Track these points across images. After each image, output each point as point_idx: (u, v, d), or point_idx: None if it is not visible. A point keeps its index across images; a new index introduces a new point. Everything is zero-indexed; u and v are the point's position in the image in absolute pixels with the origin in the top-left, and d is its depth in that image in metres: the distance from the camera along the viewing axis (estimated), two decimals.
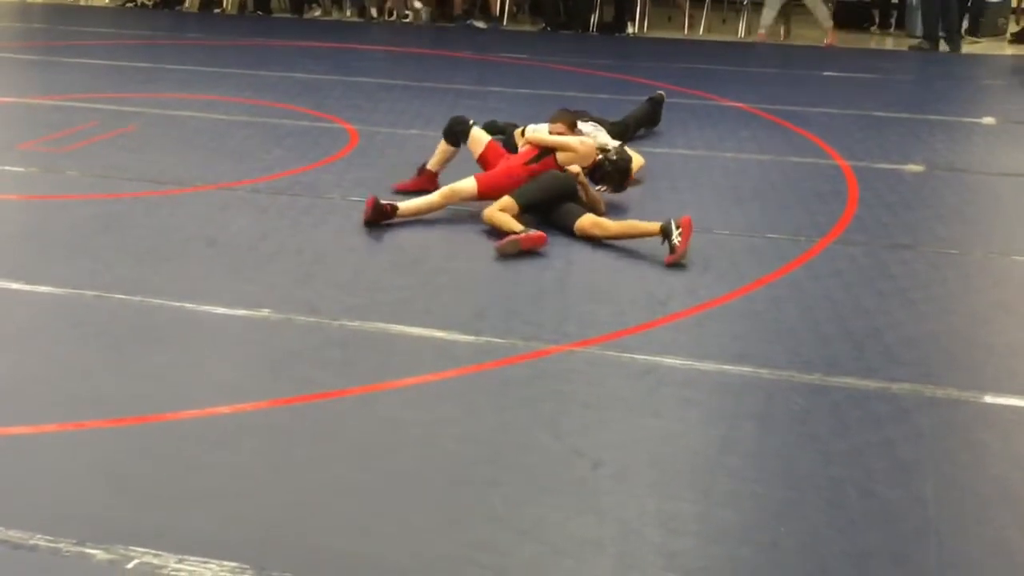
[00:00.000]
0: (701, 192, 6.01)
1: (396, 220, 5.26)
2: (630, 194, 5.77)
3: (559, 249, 5.04)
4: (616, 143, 6.01)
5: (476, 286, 4.64)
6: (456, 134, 5.68)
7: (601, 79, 9.34)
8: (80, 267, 4.66)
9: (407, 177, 5.87)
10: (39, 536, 2.78)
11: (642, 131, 7.15)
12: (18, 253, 4.96)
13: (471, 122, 5.69)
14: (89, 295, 4.37)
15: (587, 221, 5.14)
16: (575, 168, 5.42)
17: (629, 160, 5.70)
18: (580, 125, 6.13)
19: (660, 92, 7.38)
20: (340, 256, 4.90)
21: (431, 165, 5.79)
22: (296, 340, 4.03)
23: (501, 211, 5.12)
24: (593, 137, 6.00)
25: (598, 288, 4.59)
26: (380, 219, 5.22)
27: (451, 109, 7.77)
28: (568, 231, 5.15)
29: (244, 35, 11.33)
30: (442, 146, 5.75)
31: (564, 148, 5.49)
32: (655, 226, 4.94)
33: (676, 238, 4.82)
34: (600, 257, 4.98)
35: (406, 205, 5.29)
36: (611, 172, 5.57)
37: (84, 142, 6.69)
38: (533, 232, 4.94)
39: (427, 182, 5.75)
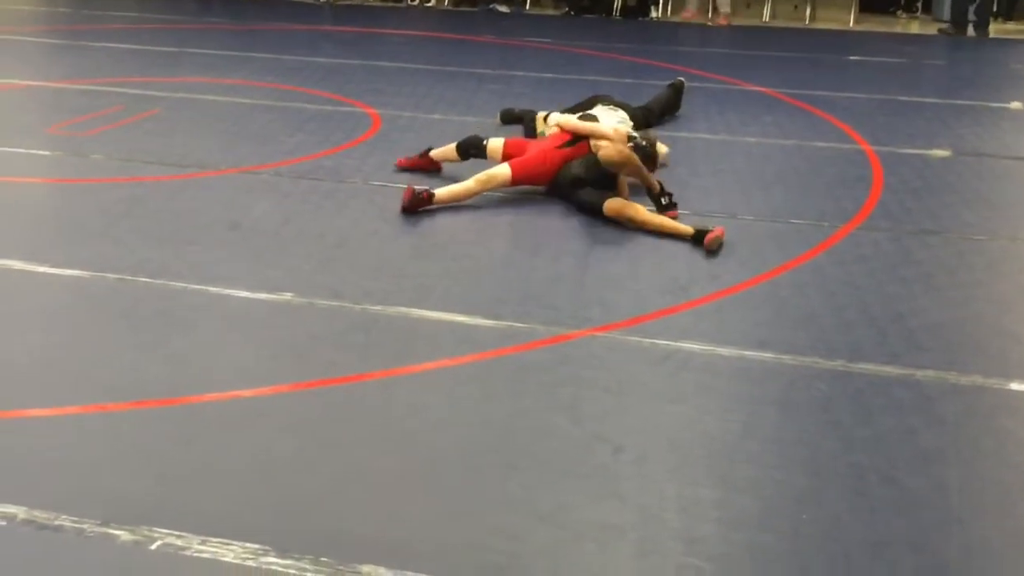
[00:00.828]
0: (723, 177, 5.98)
1: (433, 207, 5.26)
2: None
3: (580, 234, 5.03)
4: (626, 124, 6.00)
5: (497, 271, 4.64)
6: (469, 154, 5.70)
7: (624, 63, 9.30)
8: (104, 250, 4.69)
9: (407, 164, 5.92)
10: (64, 516, 2.81)
11: (667, 116, 7.14)
12: (43, 236, 4.99)
13: (485, 141, 5.67)
14: (112, 278, 4.40)
15: (619, 203, 5.12)
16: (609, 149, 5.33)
17: (655, 144, 5.77)
18: (601, 111, 6.12)
19: (680, 79, 7.34)
20: (362, 240, 4.91)
21: (435, 154, 5.82)
22: (318, 324, 4.05)
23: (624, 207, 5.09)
24: (621, 121, 6.01)
25: (619, 273, 4.58)
26: (417, 207, 5.22)
27: (473, 94, 7.79)
28: (596, 211, 5.13)
29: (266, 19, 11.34)
30: (452, 151, 5.76)
31: (598, 136, 5.50)
32: (688, 229, 4.94)
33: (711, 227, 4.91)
34: (621, 242, 4.97)
35: (442, 192, 5.29)
36: (641, 159, 5.55)
37: (109, 126, 6.73)
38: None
39: (427, 164, 5.83)
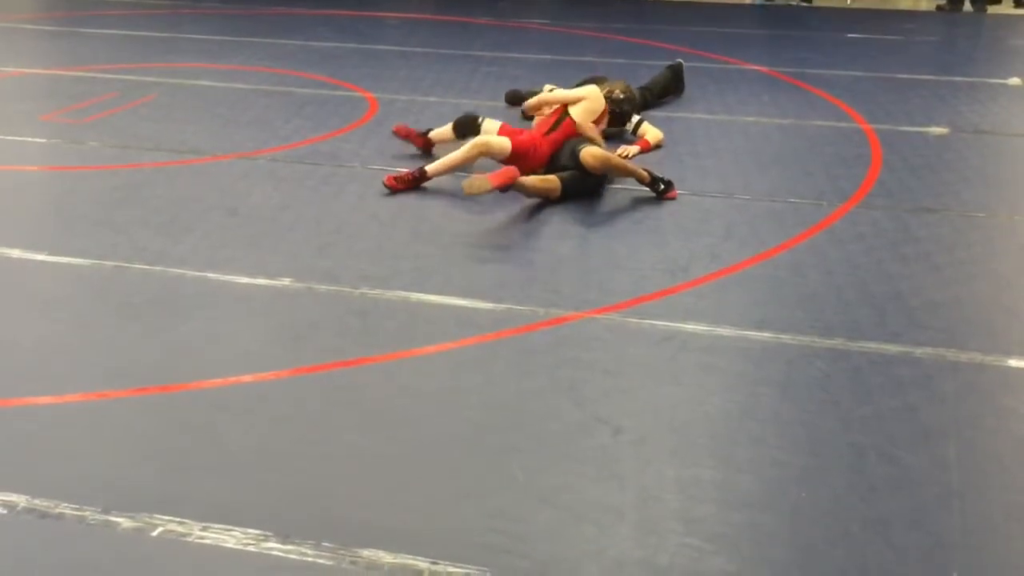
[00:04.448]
0: (722, 157, 5.97)
1: (431, 177, 5.29)
2: (651, 160, 5.75)
3: (578, 216, 5.03)
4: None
5: (496, 254, 4.63)
6: (465, 131, 5.73)
7: (621, 43, 9.26)
8: (102, 237, 4.68)
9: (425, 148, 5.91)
10: (65, 505, 2.82)
11: (669, 98, 7.10)
12: (41, 224, 4.99)
13: (480, 119, 5.71)
14: (111, 265, 4.39)
15: (591, 152, 5.16)
16: (596, 145, 5.40)
17: (631, 91, 6.04)
18: None
19: (679, 60, 7.31)
20: (360, 225, 4.91)
21: (433, 135, 5.83)
22: (317, 309, 4.05)
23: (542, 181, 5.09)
24: None
25: (618, 255, 4.58)
26: (413, 185, 5.27)
27: (470, 77, 7.77)
28: (578, 167, 5.17)
29: (262, 3, 11.29)
30: (449, 132, 5.77)
31: (571, 101, 5.60)
32: (646, 176, 5.20)
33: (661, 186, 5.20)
34: (620, 223, 4.96)
35: (434, 166, 5.30)
36: (627, 110, 5.88)
37: (105, 113, 6.71)
38: (502, 169, 4.94)
39: (422, 143, 5.86)
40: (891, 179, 5.57)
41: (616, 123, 6.03)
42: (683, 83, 7.22)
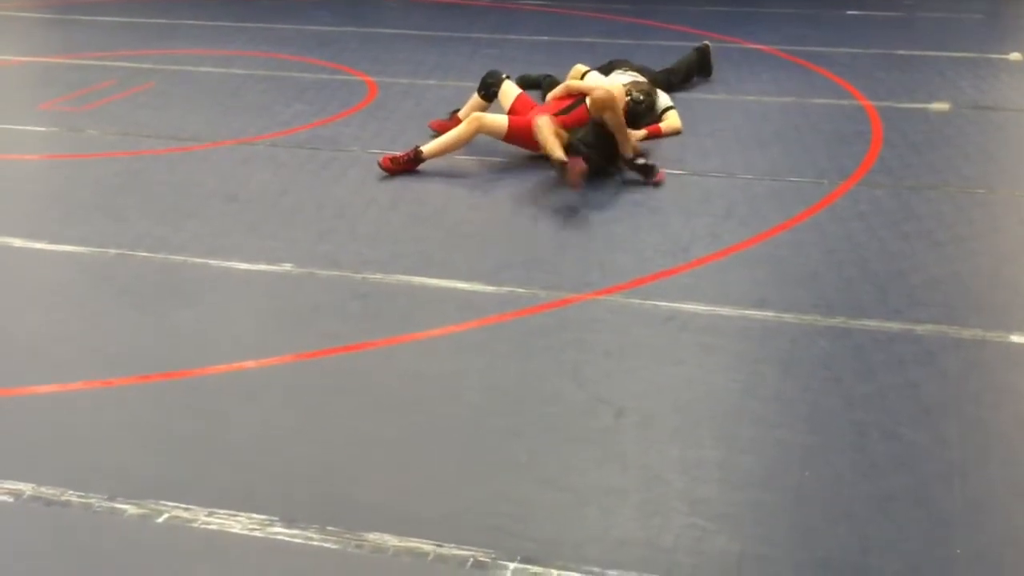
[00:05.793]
0: (722, 136, 5.95)
1: (426, 159, 5.28)
2: (654, 142, 5.75)
3: (579, 198, 5.02)
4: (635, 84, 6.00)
5: (497, 237, 4.63)
6: (488, 87, 5.68)
7: (620, 24, 9.23)
8: (102, 225, 4.69)
9: (428, 130, 5.88)
10: (71, 492, 2.83)
11: (695, 80, 7.02)
12: (41, 213, 4.99)
13: (504, 76, 5.69)
14: (112, 253, 4.40)
15: (606, 94, 5.16)
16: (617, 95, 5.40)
17: (653, 93, 5.92)
18: (617, 77, 6.08)
19: (705, 43, 7.20)
20: (361, 209, 4.90)
21: (461, 113, 5.82)
22: (318, 294, 4.05)
23: (555, 134, 5.07)
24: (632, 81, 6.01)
25: (619, 236, 4.58)
26: (409, 167, 5.26)
27: (469, 59, 7.74)
28: (601, 164, 5.17)
29: None
30: (475, 100, 5.77)
31: (589, 91, 5.50)
32: (632, 153, 5.20)
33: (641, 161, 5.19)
34: (621, 204, 4.96)
35: (430, 146, 5.29)
36: (643, 112, 5.80)
37: (103, 101, 6.70)
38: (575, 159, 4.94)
39: (455, 125, 5.79)
40: (892, 156, 5.55)
41: (628, 121, 5.94)
42: (711, 66, 7.12)
